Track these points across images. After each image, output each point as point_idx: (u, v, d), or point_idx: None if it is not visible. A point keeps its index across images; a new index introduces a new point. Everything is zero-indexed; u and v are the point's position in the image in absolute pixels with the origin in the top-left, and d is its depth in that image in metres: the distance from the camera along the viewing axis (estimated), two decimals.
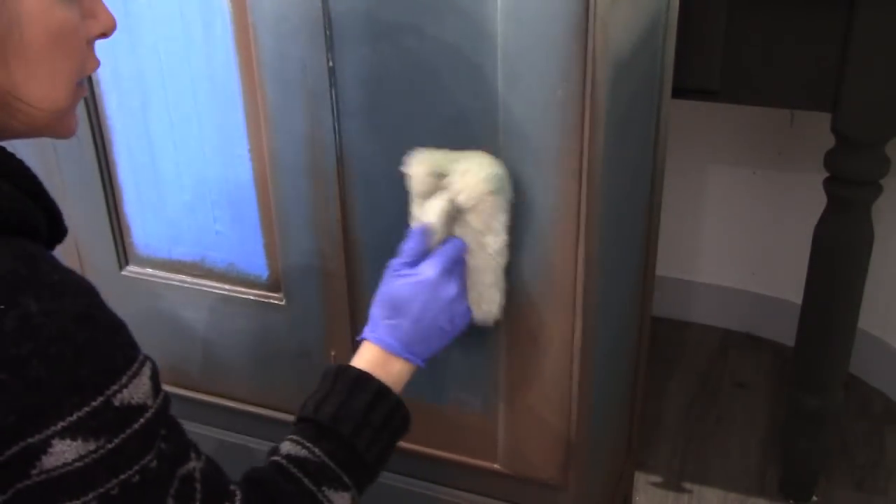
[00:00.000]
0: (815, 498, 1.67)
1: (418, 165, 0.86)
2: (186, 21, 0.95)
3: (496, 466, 1.03)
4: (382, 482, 1.12)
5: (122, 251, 1.13)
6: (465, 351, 0.98)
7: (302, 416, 0.80)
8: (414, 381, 1.03)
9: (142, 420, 0.63)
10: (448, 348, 0.98)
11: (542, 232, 0.87)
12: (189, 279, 1.11)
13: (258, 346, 1.09)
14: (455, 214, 0.86)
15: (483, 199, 0.84)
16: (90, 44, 0.68)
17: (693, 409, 1.92)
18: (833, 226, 1.45)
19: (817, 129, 1.46)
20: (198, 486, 0.67)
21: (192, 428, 1.21)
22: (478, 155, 0.85)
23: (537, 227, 0.87)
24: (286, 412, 1.13)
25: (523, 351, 0.94)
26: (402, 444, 1.07)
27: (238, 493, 0.70)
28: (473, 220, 0.86)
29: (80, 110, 1.05)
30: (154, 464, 0.63)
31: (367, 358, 0.83)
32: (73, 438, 0.59)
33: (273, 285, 1.06)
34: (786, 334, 1.93)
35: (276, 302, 1.05)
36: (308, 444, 0.77)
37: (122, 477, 0.61)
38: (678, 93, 1.25)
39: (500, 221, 0.86)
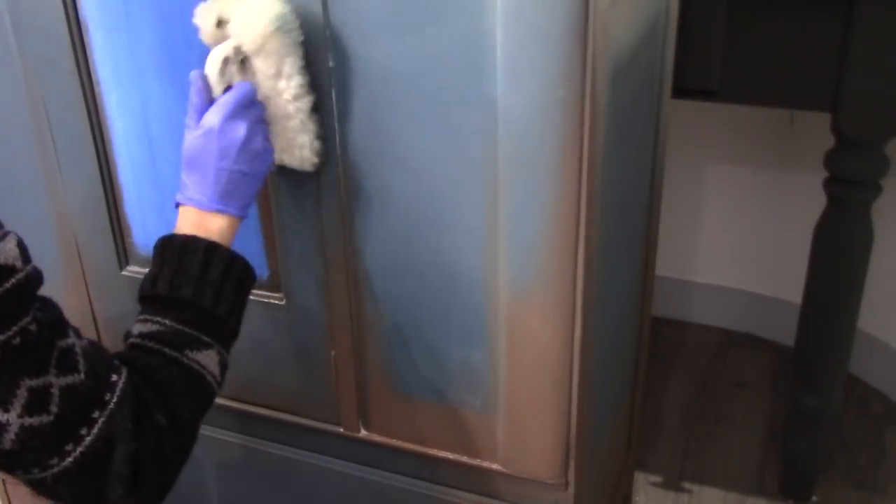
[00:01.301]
0: (814, 498, 1.67)
1: (203, 16, 0.85)
2: (186, 21, 0.95)
3: (496, 466, 1.03)
4: (382, 481, 1.12)
5: (122, 251, 1.13)
6: (465, 351, 0.98)
7: (142, 296, 0.82)
8: (414, 381, 1.03)
9: (13, 280, 0.65)
10: (448, 348, 0.98)
11: (542, 232, 0.87)
12: None
13: (258, 346, 1.09)
14: (243, 62, 0.85)
15: (267, 40, 0.83)
16: None
17: (693, 409, 1.92)
18: (833, 226, 1.45)
19: (817, 129, 1.46)
20: (80, 359, 0.68)
21: None
22: None
23: (537, 227, 0.87)
24: (286, 412, 1.13)
25: (523, 351, 0.94)
26: (403, 444, 1.08)
27: (123, 369, 0.72)
28: (262, 65, 0.84)
29: (80, 110, 1.05)
30: (34, 327, 0.65)
31: (185, 222, 0.84)
32: None
33: (273, 285, 1.06)
34: (786, 334, 1.93)
35: (276, 302, 1.05)
36: (157, 319, 0.79)
37: (2, 338, 0.63)
38: (678, 93, 1.25)
39: (290, 64, 0.85)
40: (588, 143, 0.83)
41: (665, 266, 1.73)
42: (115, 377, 0.70)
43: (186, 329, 0.79)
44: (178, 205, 0.86)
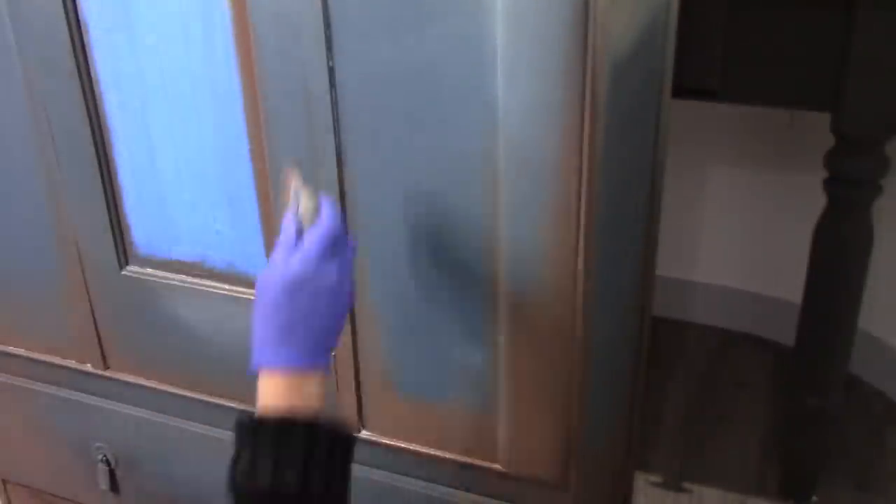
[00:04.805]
0: (815, 498, 1.67)
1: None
2: (186, 21, 0.95)
3: (496, 466, 1.03)
4: (382, 481, 1.12)
5: (122, 251, 1.13)
6: (465, 351, 0.98)
7: (237, 493, 0.74)
8: (414, 381, 1.03)
9: None
10: (448, 348, 0.98)
11: (542, 232, 0.87)
12: (189, 279, 1.11)
13: None
14: None
15: None
16: None
17: (693, 409, 1.92)
18: (833, 226, 1.45)
19: (817, 129, 1.46)
20: None
21: (193, 428, 1.22)
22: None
23: (537, 227, 0.87)
24: None
25: (523, 351, 0.94)
26: (402, 444, 1.08)
27: None
28: None
29: (80, 110, 1.05)
30: None
31: (273, 393, 0.77)
32: None
33: None
34: (786, 334, 1.93)
35: None
36: None
37: None
38: (678, 93, 1.25)
39: None
40: (588, 143, 0.83)
41: (665, 266, 1.73)
42: None
43: None
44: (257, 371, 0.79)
